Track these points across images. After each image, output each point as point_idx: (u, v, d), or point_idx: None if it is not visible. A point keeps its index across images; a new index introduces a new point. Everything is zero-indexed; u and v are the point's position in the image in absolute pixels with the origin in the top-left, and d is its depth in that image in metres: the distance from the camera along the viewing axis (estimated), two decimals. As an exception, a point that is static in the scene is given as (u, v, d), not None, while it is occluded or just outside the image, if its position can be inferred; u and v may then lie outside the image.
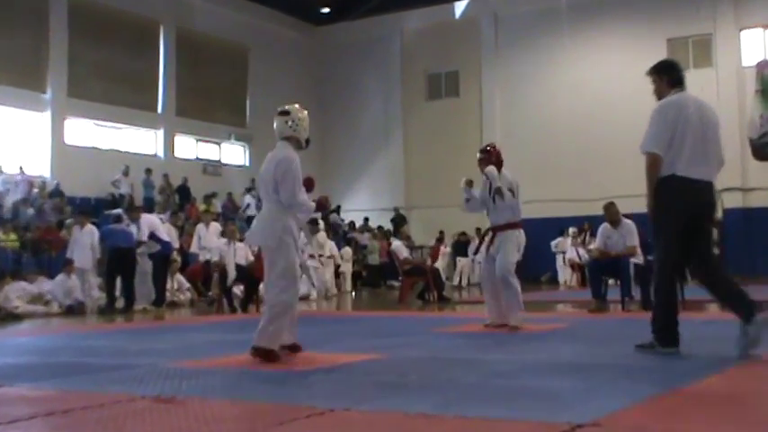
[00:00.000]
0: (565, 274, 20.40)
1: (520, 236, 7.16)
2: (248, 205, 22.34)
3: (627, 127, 22.03)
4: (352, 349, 5.89)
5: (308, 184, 5.41)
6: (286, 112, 5.45)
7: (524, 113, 24.38)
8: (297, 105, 5.60)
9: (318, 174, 27.99)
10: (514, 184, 7.16)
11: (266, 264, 5.25)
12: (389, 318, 9.90)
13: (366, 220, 24.72)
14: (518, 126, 24.36)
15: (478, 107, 25.39)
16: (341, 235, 23.00)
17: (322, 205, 5.54)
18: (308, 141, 5.47)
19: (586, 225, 20.01)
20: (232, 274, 11.82)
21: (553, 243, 20.84)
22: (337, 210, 25.22)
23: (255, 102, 25.13)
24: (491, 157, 7.10)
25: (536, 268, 21.36)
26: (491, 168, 7.03)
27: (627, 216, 10.18)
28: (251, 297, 11.95)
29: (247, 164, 25.27)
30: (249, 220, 18.98)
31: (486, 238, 7.18)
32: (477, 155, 7.35)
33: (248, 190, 23.29)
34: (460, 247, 22.58)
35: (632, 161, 24.93)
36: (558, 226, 21.32)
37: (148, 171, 20.66)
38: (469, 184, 7.23)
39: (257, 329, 5.15)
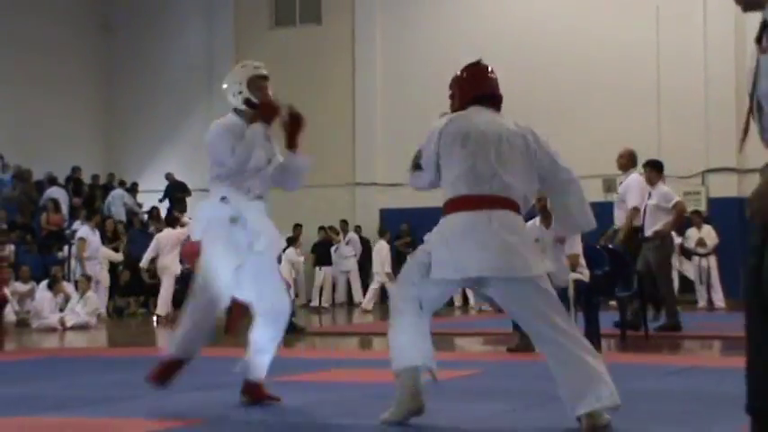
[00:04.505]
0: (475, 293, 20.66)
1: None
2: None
3: (571, 79, 22.85)
4: (145, 413, 5.93)
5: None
6: None
7: (420, 52, 24.48)
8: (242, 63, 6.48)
9: (102, 137, 27.50)
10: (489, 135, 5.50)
11: None
12: (207, 359, 9.63)
13: (179, 203, 24.12)
14: (409, 71, 24.44)
15: (349, 40, 25.31)
16: (138, 228, 22.41)
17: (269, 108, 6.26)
18: (249, 102, 6.18)
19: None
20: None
21: None
22: (132, 189, 24.58)
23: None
24: (452, 92, 5.85)
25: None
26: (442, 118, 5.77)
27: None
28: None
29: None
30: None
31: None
32: None
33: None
34: (322, 251, 22.47)
35: (573, 126, 25.70)
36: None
37: None
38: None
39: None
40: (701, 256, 19.41)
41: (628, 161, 12.24)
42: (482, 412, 5.68)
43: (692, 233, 19.53)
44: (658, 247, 11.94)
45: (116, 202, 23.61)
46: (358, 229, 23.80)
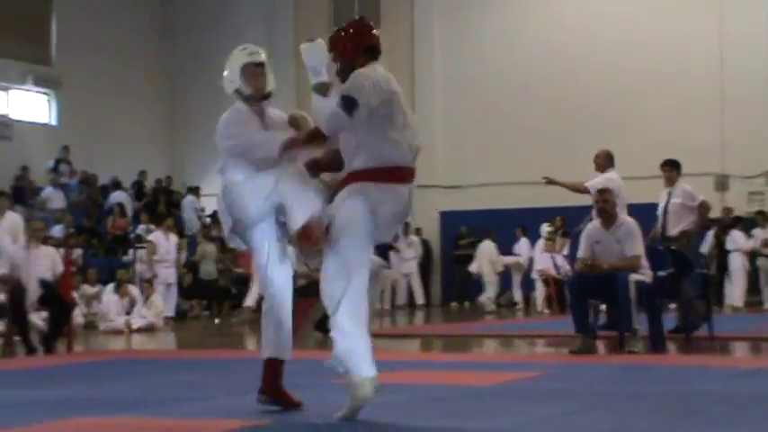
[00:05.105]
0: (535, 295, 20.56)
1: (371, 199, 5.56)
2: (60, 186, 21.77)
3: (634, 78, 22.66)
4: (213, 413, 5.95)
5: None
6: None
7: (477, 54, 24.46)
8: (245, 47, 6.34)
9: (164, 140, 27.76)
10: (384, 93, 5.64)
11: None
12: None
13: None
14: (467, 73, 24.43)
15: (409, 42, 25.33)
16: (200, 230, 22.60)
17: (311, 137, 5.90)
18: (239, 93, 6.24)
19: (558, 221, 20.17)
20: (32, 293, 11.58)
21: (511, 256, 21.14)
22: (194, 192, 24.80)
23: (66, 28, 24.65)
24: (342, 48, 5.84)
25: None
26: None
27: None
28: (59, 329, 11.63)
29: (53, 121, 24.76)
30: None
31: None
32: None
33: (58, 162, 22.68)
34: (384, 249, 22.51)
35: (638, 126, 25.43)
36: (516, 222, 21.37)
37: None
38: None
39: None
40: (767, 256, 19.21)
41: (604, 161, 12.03)
42: (543, 414, 5.68)
43: (758, 233, 19.34)
44: (685, 246, 11.77)
45: (187, 209, 23.89)
46: (418, 232, 23.81)
